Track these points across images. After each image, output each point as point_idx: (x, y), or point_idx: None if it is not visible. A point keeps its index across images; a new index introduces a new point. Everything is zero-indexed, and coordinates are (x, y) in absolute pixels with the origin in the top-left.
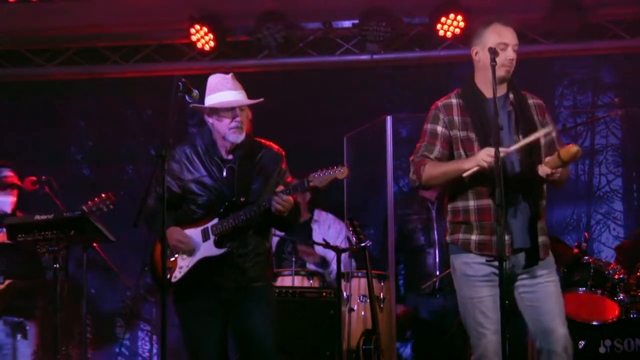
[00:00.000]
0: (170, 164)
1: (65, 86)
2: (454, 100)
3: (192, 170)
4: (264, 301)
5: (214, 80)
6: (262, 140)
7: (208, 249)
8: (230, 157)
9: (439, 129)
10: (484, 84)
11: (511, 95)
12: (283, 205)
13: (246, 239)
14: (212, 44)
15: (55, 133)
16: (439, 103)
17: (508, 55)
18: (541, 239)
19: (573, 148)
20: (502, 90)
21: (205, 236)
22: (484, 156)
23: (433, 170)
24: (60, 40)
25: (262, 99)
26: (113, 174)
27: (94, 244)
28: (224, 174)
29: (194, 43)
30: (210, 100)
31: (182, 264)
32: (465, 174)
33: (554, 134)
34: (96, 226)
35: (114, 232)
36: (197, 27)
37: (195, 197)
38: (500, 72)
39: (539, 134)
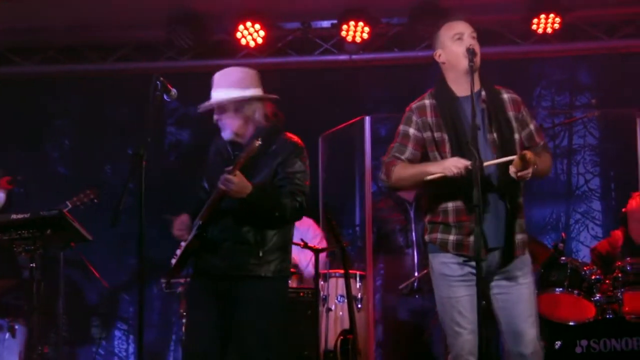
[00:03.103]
0: (205, 162)
1: (42, 85)
2: (427, 102)
3: (213, 164)
4: (253, 295)
5: (215, 77)
6: (287, 134)
7: (192, 234)
8: (238, 149)
9: (411, 131)
10: (455, 82)
11: (483, 93)
12: (224, 184)
13: (228, 225)
14: (190, 43)
15: (32, 132)
16: (413, 105)
17: (466, 43)
18: (519, 236)
19: (526, 154)
20: (475, 87)
21: (197, 222)
22: (451, 166)
23: (402, 171)
24: (39, 39)
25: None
26: (90, 173)
27: (71, 243)
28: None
29: (173, 42)
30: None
31: (179, 250)
32: (428, 178)
33: (531, 127)
34: (73, 225)
35: (91, 231)
36: (176, 26)
37: (213, 188)
38: (464, 62)
39: (506, 159)
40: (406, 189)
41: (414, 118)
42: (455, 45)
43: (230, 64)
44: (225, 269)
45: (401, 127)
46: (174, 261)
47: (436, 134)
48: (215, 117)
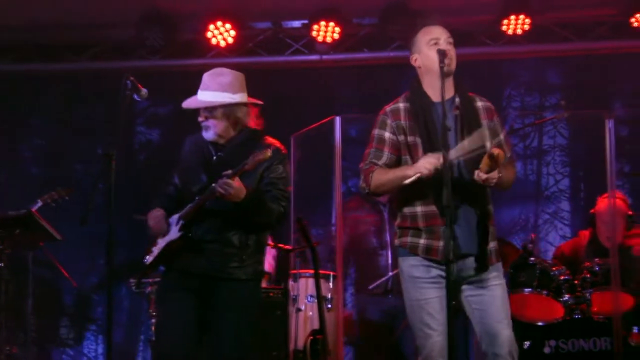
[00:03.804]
0: (180, 157)
1: (15, 83)
2: (401, 105)
3: (190, 161)
4: (233, 298)
5: (203, 77)
6: (268, 139)
7: (173, 232)
8: (220, 150)
9: (387, 134)
10: (430, 87)
11: (457, 99)
12: (224, 189)
13: (214, 226)
14: (161, 42)
15: (5, 131)
16: (387, 108)
17: (443, 49)
18: (492, 244)
19: (494, 151)
20: (449, 93)
21: (178, 221)
22: (423, 165)
23: (380, 177)
24: (11, 38)
25: (213, 102)
26: (62, 173)
27: (40, 243)
28: (211, 163)
29: (143, 42)
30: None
31: (156, 248)
32: (406, 182)
33: (501, 137)
34: (42, 225)
35: (61, 231)
36: (147, 25)
37: (189, 186)
38: (438, 66)
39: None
40: (386, 194)
41: (389, 121)
42: (431, 50)
43: (201, 64)
44: (206, 270)
45: (376, 132)
46: (150, 258)
47: (409, 138)
48: (201, 117)
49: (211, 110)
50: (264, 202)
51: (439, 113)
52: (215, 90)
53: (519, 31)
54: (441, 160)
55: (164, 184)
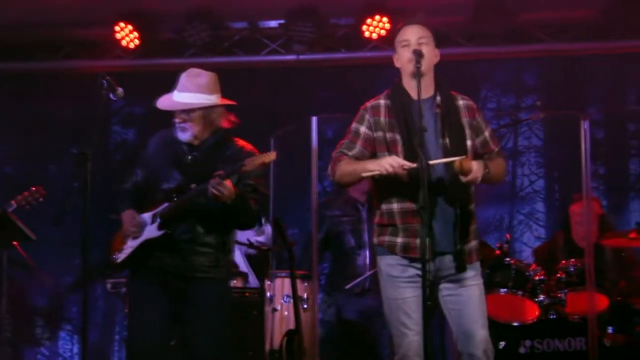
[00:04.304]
0: (143, 152)
1: None
2: (382, 101)
3: (160, 159)
4: (209, 298)
5: (180, 77)
6: (239, 140)
7: (151, 231)
8: (194, 150)
9: (362, 129)
10: (410, 86)
11: (438, 98)
12: (217, 190)
13: (192, 226)
14: (137, 42)
15: None
16: (368, 104)
17: (412, 49)
18: (472, 243)
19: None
20: (429, 91)
21: (153, 219)
22: (386, 164)
23: (346, 167)
24: None
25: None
26: (35, 173)
27: (15, 243)
28: (186, 164)
29: (119, 41)
30: (159, 102)
31: (128, 245)
32: (363, 174)
33: (486, 134)
34: (16, 224)
35: (35, 230)
36: (122, 24)
37: (159, 184)
38: (410, 67)
39: (451, 159)
40: (349, 185)
41: (367, 117)
42: (403, 51)
43: (177, 63)
44: (183, 269)
45: (353, 125)
46: (122, 256)
47: (388, 134)
48: (178, 118)
49: (189, 112)
50: (249, 204)
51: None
52: (193, 92)
53: (495, 32)
54: (406, 165)
55: (123, 182)
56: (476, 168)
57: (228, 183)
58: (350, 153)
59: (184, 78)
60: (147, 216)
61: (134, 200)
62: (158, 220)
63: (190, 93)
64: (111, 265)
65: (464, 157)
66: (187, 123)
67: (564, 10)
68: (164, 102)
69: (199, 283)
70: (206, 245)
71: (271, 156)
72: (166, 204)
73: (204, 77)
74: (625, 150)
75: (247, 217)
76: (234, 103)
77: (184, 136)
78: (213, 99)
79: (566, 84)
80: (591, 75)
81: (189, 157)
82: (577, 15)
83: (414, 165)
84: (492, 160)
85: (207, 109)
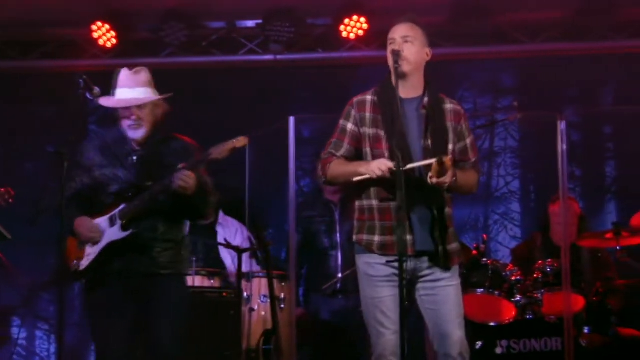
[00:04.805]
0: (80, 157)
1: None
2: (369, 97)
3: (102, 162)
4: (174, 294)
5: (119, 75)
6: (178, 135)
7: (114, 233)
8: (139, 148)
9: (349, 126)
10: (397, 85)
11: (426, 99)
12: (184, 181)
13: (154, 223)
14: (114, 41)
15: None
16: (355, 99)
17: (394, 47)
18: (452, 245)
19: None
20: (417, 91)
21: (112, 222)
22: (375, 168)
23: (336, 169)
24: None
25: (150, 98)
26: (11, 172)
27: None
28: (133, 163)
29: (96, 40)
30: (105, 100)
31: (90, 252)
32: (355, 179)
33: (467, 142)
34: None
35: (10, 230)
36: (99, 24)
37: (106, 187)
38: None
39: (428, 162)
40: (341, 185)
41: (353, 113)
42: (388, 50)
43: (155, 63)
44: (150, 268)
45: (341, 122)
46: (85, 263)
47: (372, 130)
48: (134, 115)
49: (141, 107)
50: (208, 194)
51: (405, 109)
52: (138, 88)
53: (472, 33)
54: (394, 167)
55: (66, 187)
56: (448, 174)
57: (191, 174)
58: (339, 153)
59: (125, 75)
60: (101, 221)
61: (80, 207)
62: (119, 221)
63: (136, 89)
64: (74, 273)
65: (444, 156)
66: (140, 120)
67: (541, 11)
68: (112, 102)
69: (164, 279)
70: (170, 241)
71: (242, 141)
72: (123, 205)
73: (144, 72)
74: (602, 153)
75: (207, 207)
76: (169, 95)
77: (137, 134)
78: (157, 94)
79: (543, 85)
80: (568, 77)
81: (134, 157)
82: (554, 16)
83: (404, 168)
84: (465, 170)
85: (154, 105)
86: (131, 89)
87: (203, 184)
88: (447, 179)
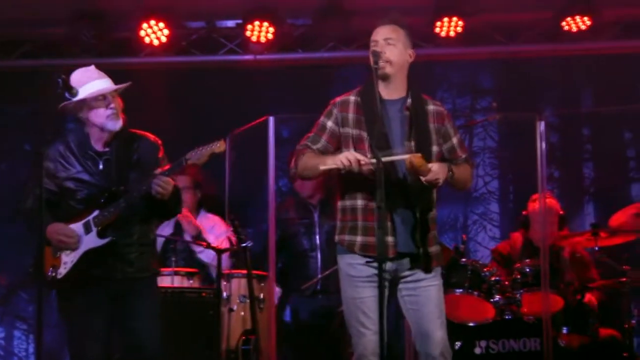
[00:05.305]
0: (45, 164)
1: None
2: (352, 98)
3: (67, 167)
4: (150, 296)
5: (76, 75)
6: (137, 131)
7: (91, 240)
8: (106, 149)
9: (329, 124)
10: (380, 86)
11: (409, 100)
12: (163, 187)
13: (130, 229)
14: (94, 41)
15: None
16: (338, 99)
17: (375, 50)
18: (433, 248)
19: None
20: (400, 93)
21: (87, 229)
22: (343, 157)
23: (308, 160)
24: None
25: (129, 83)
26: None
27: None
28: (100, 166)
29: (75, 40)
30: (79, 94)
31: (67, 260)
32: (321, 168)
33: (454, 141)
34: None
35: None
36: (79, 23)
37: (74, 193)
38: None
39: (403, 157)
40: (310, 178)
41: (335, 112)
42: (370, 51)
43: (134, 63)
44: (129, 273)
45: (321, 119)
46: (63, 271)
47: (354, 131)
48: (112, 104)
49: (115, 97)
50: (180, 193)
51: (387, 110)
52: (107, 79)
53: (452, 33)
54: (362, 161)
55: (31, 194)
56: (437, 169)
57: (169, 180)
58: (314, 146)
59: (87, 71)
60: (76, 227)
61: (51, 214)
62: (95, 228)
63: (106, 79)
64: (51, 282)
65: (415, 154)
66: (117, 110)
67: (520, 13)
68: (94, 91)
69: (141, 282)
70: (145, 245)
71: (221, 147)
72: (97, 212)
73: (95, 68)
74: (580, 154)
75: (180, 207)
76: (128, 84)
77: (117, 125)
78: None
79: (521, 86)
80: (547, 78)
81: (100, 162)
82: (533, 17)
83: (371, 160)
84: (459, 165)
85: (117, 95)
86: (104, 80)
87: (178, 188)
88: (438, 175)
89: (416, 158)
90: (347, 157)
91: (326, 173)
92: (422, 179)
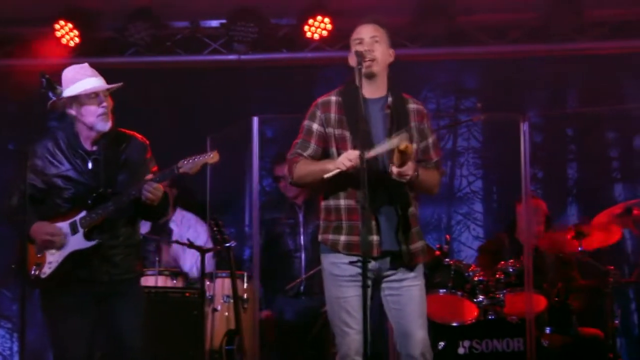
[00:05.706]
0: (32, 160)
1: None
2: (333, 98)
3: (55, 165)
4: (134, 296)
5: (70, 72)
6: (125, 130)
7: (77, 242)
8: (94, 148)
9: (315, 126)
10: (361, 85)
11: (390, 99)
12: (153, 194)
13: (116, 230)
14: (77, 40)
15: None
16: (319, 100)
17: (362, 48)
18: (418, 244)
19: (402, 145)
20: (381, 92)
21: (73, 229)
22: (344, 160)
23: (303, 168)
24: None
25: (122, 84)
26: None
27: None
28: (89, 166)
29: (59, 39)
30: (71, 91)
31: (52, 259)
32: (325, 176)
33: (429, 141)
34: None
35: None
36: (62, 22)
37: (61, 191)
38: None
39: (392, 142)
40: (308, 185)
41: (318, 113)
42: (353, 50)
43: (119, 62)
44: (115, 274)
45: (305, 123)
46: (47, 271)
47: (337, 131)
48: (104, 103)
49: (107, 97)
50: (169, 197)
51: (369, 109)
52: (100, 77)
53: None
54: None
55: (17, 191)
56: (410, 165)
57: (160, 187)
58: (305, 153)
59: (81, 68)
60: (62, 226)
61: (36, 212)
62: (81, 229)
63: (100, 77)
64: (35, 281)
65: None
66: (108, 109)
67: (505, 13)
68: (86, 88)
69: (127, 283)
70: (131, 246)
71: (214, 158)
72: (84, 213)
73: (89, 66)
74: (564, 154)
75: (167, 210)
76: (120, 85)
77: (107, 126)
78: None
79: (506, 86)
80: (531, 78)
81: (90, 161)
82: (518, 17)
83: (370, 153)
84: (427, 169)
85: (109, 96)
86: (97, 78)
87: (167, 193)
88: (408, 171)
89: (410, 145)
90: (349, 158)
91: (330, 178)
92: (394, 170)
